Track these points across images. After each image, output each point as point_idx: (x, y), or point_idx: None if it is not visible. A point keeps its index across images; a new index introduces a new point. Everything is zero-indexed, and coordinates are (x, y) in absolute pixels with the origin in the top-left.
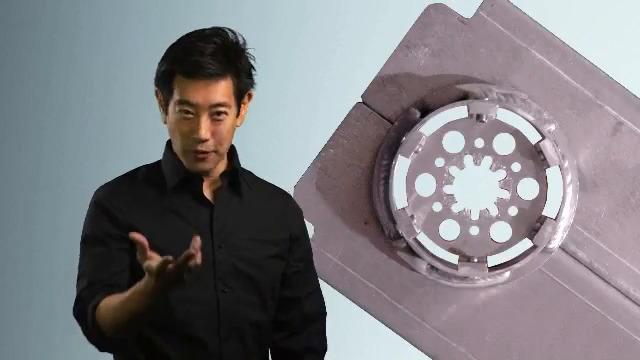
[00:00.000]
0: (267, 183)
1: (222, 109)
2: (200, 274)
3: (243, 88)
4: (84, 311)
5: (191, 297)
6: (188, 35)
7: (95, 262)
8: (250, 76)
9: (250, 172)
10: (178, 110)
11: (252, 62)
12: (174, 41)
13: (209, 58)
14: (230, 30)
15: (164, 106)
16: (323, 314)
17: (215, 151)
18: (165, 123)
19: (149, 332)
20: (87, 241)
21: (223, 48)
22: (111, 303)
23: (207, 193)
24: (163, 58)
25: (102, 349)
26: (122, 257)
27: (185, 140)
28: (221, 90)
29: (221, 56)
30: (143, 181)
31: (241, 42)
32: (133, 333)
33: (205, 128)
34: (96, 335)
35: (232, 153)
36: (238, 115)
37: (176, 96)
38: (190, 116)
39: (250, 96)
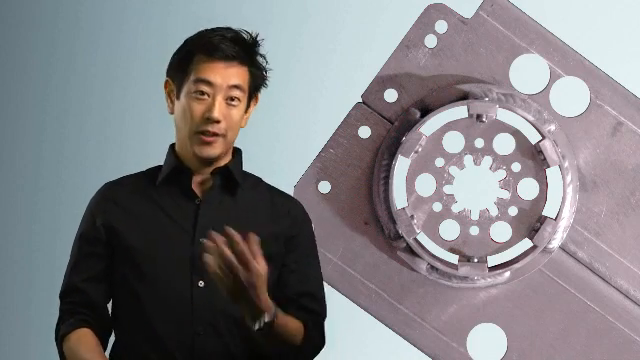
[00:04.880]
0: (276, 190)
1: (237, 94)
2: (177, 269)
3: (257, 82)
4: (57, 331)
5: (165, 295)
6: (204, 30)
7: (74, 263)
8: (263, 74)
9: (258, 177)
10: (194, 90)
11: (264, 61)
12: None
13: (229, 42)
14: (245, 30)
15: (174, 95)
16: (317, 313)
17: (224, 136)
18: (172, 113)
19: (122, 330)
20: (75, 239)
21: (241, 39)
22: (75, 350)
23: (199, 190)
24: (180, 48)
25: None
26: (95, 262)
27: (196, 121)
28: (238, 74)
29: (240, 44)
30: (143, 176)
31: (258, 40)
32: None
33: (219, 109)
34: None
35: (236, 154)
36: (246, 111)
37: (193, 76)
38: (205, 97)
39: (256, 99)
